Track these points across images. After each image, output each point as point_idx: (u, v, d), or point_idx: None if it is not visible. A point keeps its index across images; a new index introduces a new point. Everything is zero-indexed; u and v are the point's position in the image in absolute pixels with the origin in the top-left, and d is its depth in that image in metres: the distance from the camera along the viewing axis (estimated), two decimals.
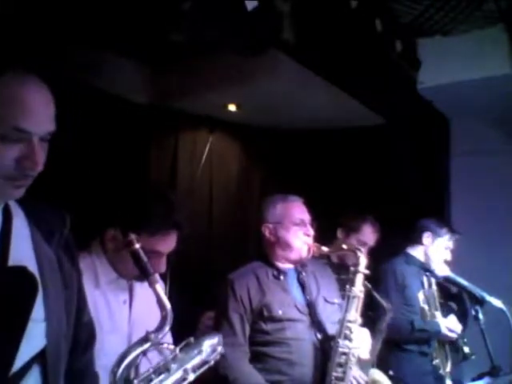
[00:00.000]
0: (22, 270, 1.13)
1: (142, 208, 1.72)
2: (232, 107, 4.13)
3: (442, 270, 2.91)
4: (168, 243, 1.77)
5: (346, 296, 2.35)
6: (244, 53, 2.80)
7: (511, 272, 3.75)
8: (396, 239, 3.36)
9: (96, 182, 3.31)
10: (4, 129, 1.07)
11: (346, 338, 2.25)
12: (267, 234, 2.46)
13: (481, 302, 2.42)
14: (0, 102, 1.08)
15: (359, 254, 2.40)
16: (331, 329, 2.33)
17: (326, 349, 2.28)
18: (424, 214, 3.41)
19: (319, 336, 2.30)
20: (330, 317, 2.36)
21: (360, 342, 2.29)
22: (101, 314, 1.71)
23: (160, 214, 1.73)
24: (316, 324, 2.32)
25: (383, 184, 4.18)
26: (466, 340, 3.13)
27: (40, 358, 1.14)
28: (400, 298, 3.04)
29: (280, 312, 2.28)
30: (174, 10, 2.50)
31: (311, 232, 2.43)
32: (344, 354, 2.24)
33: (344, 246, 2.58)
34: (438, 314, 3.09)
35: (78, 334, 1.30)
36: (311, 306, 2.35)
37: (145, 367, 1.47)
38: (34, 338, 1.12)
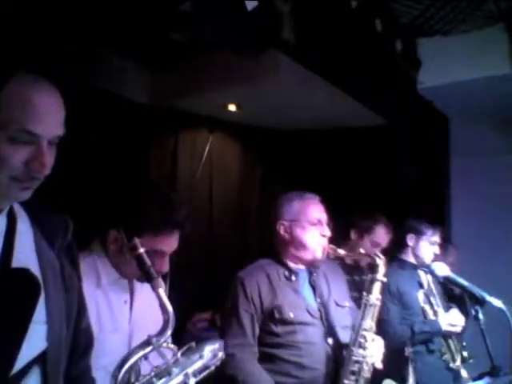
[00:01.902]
0: (25, 272, 1.13)
1: (144, 208, 1.72)
2: (232, 107, 4.13)
3: (442, 270, 2.90)
4: (171, 243, 1.77)
5: (362, 304, 2.29)
6: (244, 53, 2.80)
7: (511, 272, 3.75)
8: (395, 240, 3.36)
9: (96, 182, 3.31)
10: (14, 131, 1.08)
11: (361, 346, 2.21)
12: (282, 231, 2.37)
13: (481, 301, 2.40)
14: (11, 104, 1.08)
15: (378, 261, 2.33)
16: (342, 333, 2.29)
17: (336, 353, 2.24)
18: (424, 214, 3.40)
19: (330, 340, 2.25)
20: (340, 320, 2.32)
21: (375, 351, 2.24)
22: (102, 314, 1.71)
23: (162, 214, 1.72)
24: (327, 328, 2.27)
25: (383, 184, 4.18)
26: (464, 344, 3.13)
27: (40, 360, 1.14)
28: (398, 306, 3.05)
29: (291, 315, 2.22)
30: (174, 10, 2.50)
31: (328, 233, 2.35)
32: (357, 362, 2.19)
33: (362, 251, 2.48)
34: (440, 310, 3.09)
35: (77, 340, 1.30)
36: (322, 310, 2.30)
37: (144, 368, 1.46)
38: (35, 340, 1.12)
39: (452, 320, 3.01)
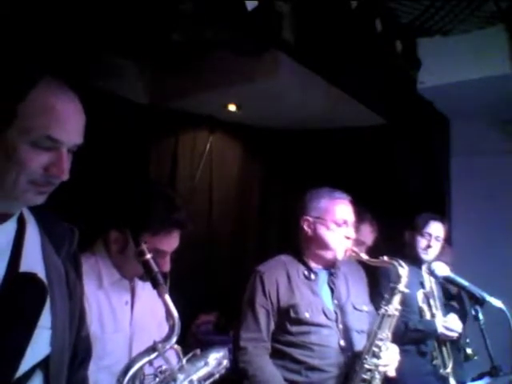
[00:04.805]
0: (32, 277, 1.14)
1: (145, 208, 1.72)
2: (232, 107, 4.13)
3: (442, 270, 2.89)
4: (171, 242, 1.77)
5: (380, 313, 2.26)
6: (244, 53, 2.80)
7: (511, 272, 3.75)
8: (396, 240, 3.35)
9: (96, 182, 3.31)
10: (36, 136, 1.09)
11: (374, 355, 2.19)
12: (305, 227, 2.32)
13: (481, 302, 2.40)
14: (35, 110, 1.10)
15: (401, 271, 2.28)
16: (357, 337, 2.27)
17: (349, 358, 2.22)
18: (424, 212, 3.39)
19: (343, 344, 2.22)
20: (356, 324, 2.28)
21: (389, 360, 2.22)
22: (104, 315, 1.72)
23: (162, 213, 1.73)
24: (342, 331, 2.24)
25: (383, 184, 4.17)
26: (468, 341, 3.11)
27: (44, 364, 1.14)
28: None
29: (307, 315, 2.20)
30: (174, 10, 2.50)
31: (352, 235, 2.32)
32: (369, 370, 2.18)
33: (386, 259, 2.35)
34: (439, 313, 3.07)
35: (76, 348, 1.30)
36: (339, 313, 2.26)
37: (146, 370, 1.46)
38: (40, 345, 1.13)
39: (449, 324, 2.97)
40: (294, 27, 2.71)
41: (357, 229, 3.18)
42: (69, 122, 1.13)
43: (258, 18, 2.47)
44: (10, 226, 1.16)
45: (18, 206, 1.17)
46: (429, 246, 3.11)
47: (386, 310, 2.25)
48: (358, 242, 3.16)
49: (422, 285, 3.11)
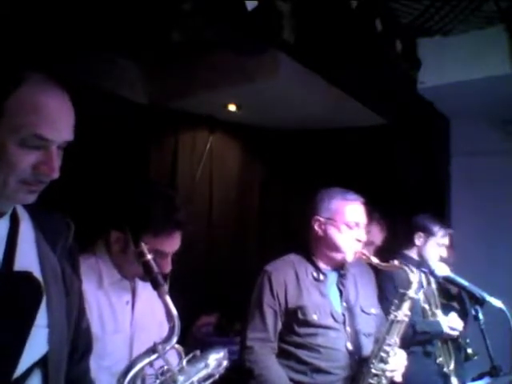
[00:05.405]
0: (27, 276, 1.13)
1: (145, 209, 1.72)
2: (232, 107, 4.13)
3: (442, 270, 2.88)
4: (173, 243, 1.77)
5: (389, 319, 2.24)
6: (244, 53, 2.80)
7: (511, 272, 3.75)
8: (396, 239, 3.35)
9: (96, 183, 3.31)
10: (25, 135, 1.08)
11: (382, 360, 2.18)
12: (316, 227, 2.30)
13: (481, 302, 2.40)
14: (22, 108, 1.08)
15: (412, 277, 2.26)
16: (365, 340, 2.26)
17: (356, 361, 2.21)
18: (424, 213, 3.39)
19: (351, 347, 2.21)
20: (364, 327, 2.27)
21: (396, 366, 2.22)
22: (104, 315, 1.71)
23: (163, 215, 1.72)
24: (349, 334, 2.23)
25: (383, 184, 4.17)
26: (468, 341, 3.10)
27: (42, 363, 1.14)
28: None
29: (315, 317, 2.19)
30: (174, 10, 2.50)
31: (363, 237, 2.29)
32: (376, 375, 2.17)
33: (396, 263, 2.32)
34: (439, 313, 3.07)
35: (76, 341, 1.30)
36: (347, 315, 2.25)
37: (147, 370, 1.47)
38: (37, 344, 1.12)
39: (453, 323, 2.98)
40: (294, 27, 2.71)
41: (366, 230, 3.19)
42: (58, 120, 1.11)
43: (258, 18, 2.47)
44: (3, 223, 1.15)
45: (9, 205, 1.16)
46: (441, 256, 3.12)
47: (396, 316, 2.24)
48: (367, 243, 3.16)
49: (421, 284, 3.12)
